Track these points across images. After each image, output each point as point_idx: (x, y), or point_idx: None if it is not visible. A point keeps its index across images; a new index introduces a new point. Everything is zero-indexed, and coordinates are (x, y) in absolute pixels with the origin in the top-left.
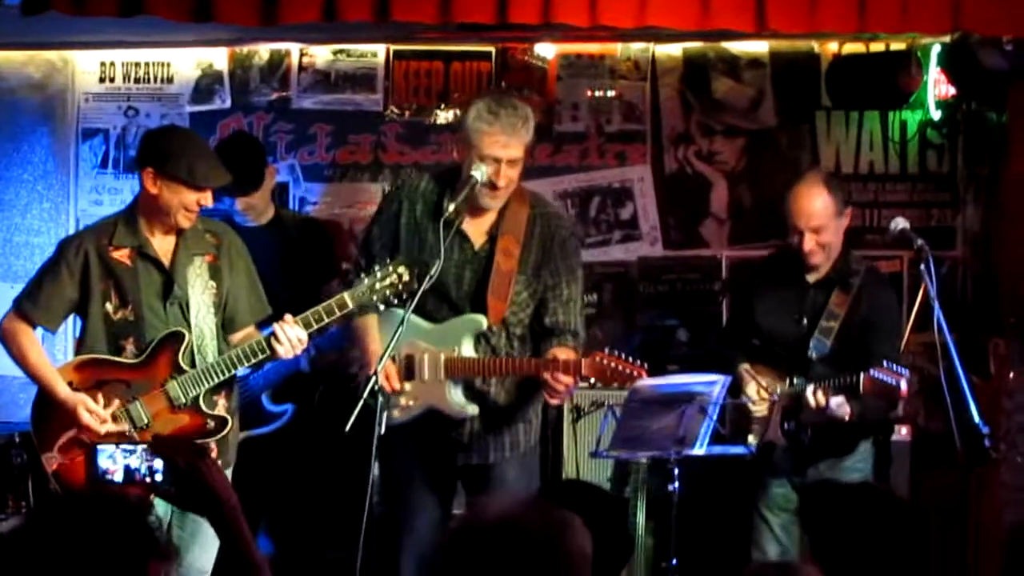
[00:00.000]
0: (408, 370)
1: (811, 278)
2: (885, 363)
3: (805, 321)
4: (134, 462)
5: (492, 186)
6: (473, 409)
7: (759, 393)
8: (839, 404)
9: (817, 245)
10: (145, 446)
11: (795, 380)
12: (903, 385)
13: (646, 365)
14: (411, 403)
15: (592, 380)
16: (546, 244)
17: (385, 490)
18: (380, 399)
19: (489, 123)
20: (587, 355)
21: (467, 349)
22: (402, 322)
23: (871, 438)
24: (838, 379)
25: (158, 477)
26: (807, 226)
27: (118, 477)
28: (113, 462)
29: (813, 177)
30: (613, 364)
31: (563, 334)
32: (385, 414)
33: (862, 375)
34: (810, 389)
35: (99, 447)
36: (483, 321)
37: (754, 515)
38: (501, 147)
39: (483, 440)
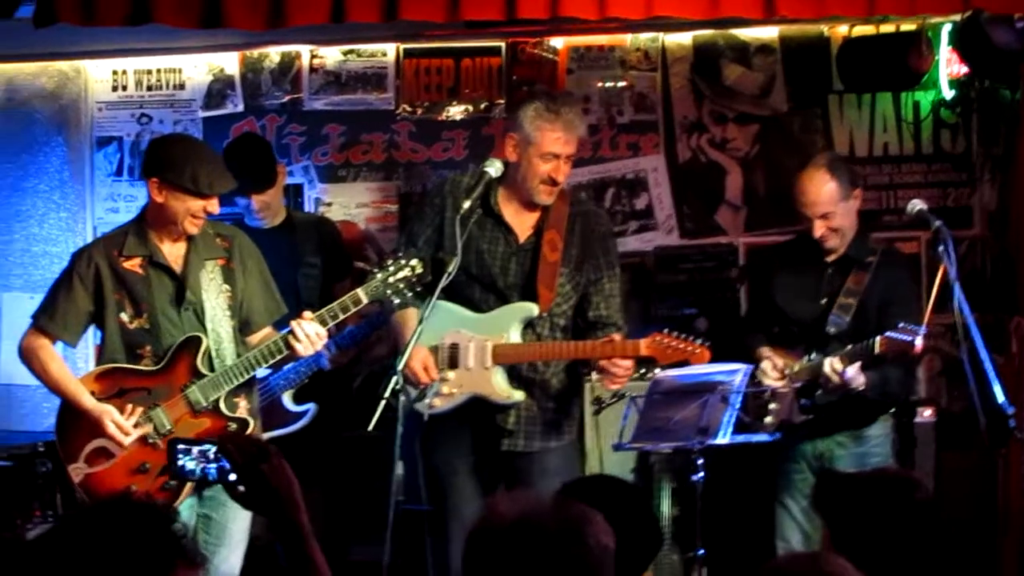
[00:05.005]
0: (452, 359)
1: (829, 259)
2: (900, 324)
3: (824, 300)
4: (189, 463)
5: (551, 182)
6: (519, 395)
7: (773, 370)
8: (854, 374)
9: (828, 230)
10: (204, 446)
11: (812, 356)
12: (918, 342)
13: (708, 343)
14: (455, 391)
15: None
16: (587, 240)
17: (429, 480)
18: (402, 397)
19: (550, 121)
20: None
21: (515, 336)
22: (421, 320)
23: (890, 417)
24: (855, 346)
25: (231, 477)
26: (815, 214)
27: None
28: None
29: (817, 164)
30: (673, 343)
31: (607, 327)
32: (425, 401)
33: (877, 337)
34: (827, 360)
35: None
36: (534, 308)
37: (775, 505)
38: (562, 144)
39: (529, 427)
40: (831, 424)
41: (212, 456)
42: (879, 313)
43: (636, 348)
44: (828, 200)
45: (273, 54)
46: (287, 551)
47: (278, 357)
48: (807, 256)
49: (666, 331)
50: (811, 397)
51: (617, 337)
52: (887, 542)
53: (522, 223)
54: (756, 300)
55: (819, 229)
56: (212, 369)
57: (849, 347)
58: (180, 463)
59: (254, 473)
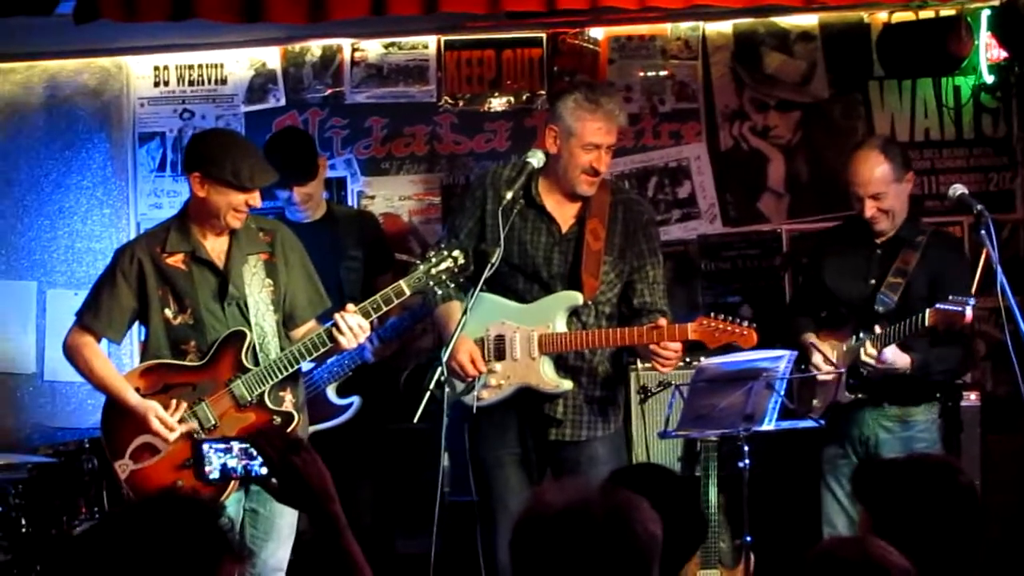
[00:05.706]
0: (498, 350)
1: (878, 240)
2: (951, 296)
3: (872, 281)
4: (231, 460)
5: (593, 172)
6: (568, 384)
7: (825, 362)
8: (893, 356)
9: (879, 211)
10: (241, 442)
11: (860, 335)
12: (967, 312)
13: (755, 325)
14: (502, 383)
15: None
16: (630, 228)
17: (476, 472)
18: (447, 389)
19: (591, 111)
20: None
21: (560, 325)
22: (465, 311)
23: (936, 402)
24: (905, 323)
25: (263, 471)
26: (866, 193)
27: (214, 475)
28: (208, 461)
29: (871, 144)
30: (720, 325)
31: (652, 313)
32: (473, 394)
33: (927, 309)
34: (862, 350)
35: (204, 444)
36: (579, 297)
37: (821, 488)
38: (604, 134)
39: (576, 416)
40: (878, 400)
41: (253, 453)
42: (930, 290)
43: (684, 332)
44: (880, 180)
45: (314, 48)
46: (326, 543)
47: (322, 350)
48: (857, 238)
49: (712, 315)
50: (859, 377)
51: (663, 322)
52: (929, 527)
53: (564, 213)
54: (805, 283)
55: (869, 209)
56: (256, 363)
57: (877, 330)
58: (221, 461)
59: (286, 466)
